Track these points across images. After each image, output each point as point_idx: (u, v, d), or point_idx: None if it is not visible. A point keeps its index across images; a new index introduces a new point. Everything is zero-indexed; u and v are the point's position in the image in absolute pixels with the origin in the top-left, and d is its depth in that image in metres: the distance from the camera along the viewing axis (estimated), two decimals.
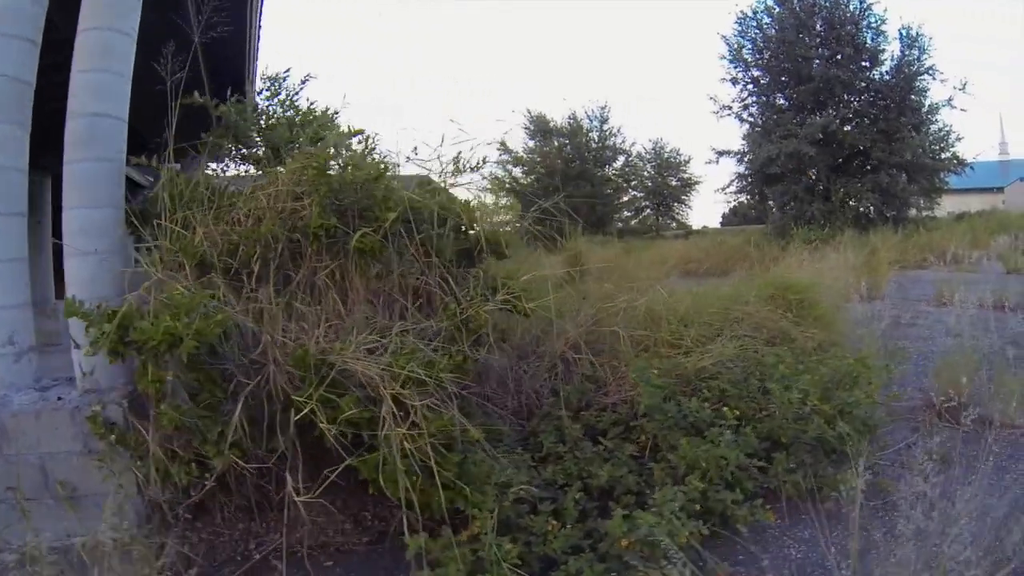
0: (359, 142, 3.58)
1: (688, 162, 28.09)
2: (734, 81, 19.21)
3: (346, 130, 3.32)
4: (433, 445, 2.32)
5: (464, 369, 2.70)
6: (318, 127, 3.61)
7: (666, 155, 27.91)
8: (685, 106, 75.04)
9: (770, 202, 19.63)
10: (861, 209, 17.70)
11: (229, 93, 3.61)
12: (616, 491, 2.70)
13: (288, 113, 3.80)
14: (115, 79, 3.10)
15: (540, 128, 24.24)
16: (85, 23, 3.08)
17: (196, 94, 3.25)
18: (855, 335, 5.18)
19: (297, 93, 4.06)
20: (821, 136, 16.89)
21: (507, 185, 24.07)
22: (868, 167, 17.67)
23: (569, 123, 24.75)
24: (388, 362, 2.44)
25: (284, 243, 2.90)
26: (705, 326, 4.25)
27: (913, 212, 17.87)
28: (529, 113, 24.56)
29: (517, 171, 24.06)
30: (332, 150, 3.17)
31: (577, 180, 22.87)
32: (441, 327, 2.91)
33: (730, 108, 19.14)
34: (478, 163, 3.37)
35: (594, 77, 69.14)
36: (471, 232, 3.22)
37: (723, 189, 20.51)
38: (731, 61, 19.13)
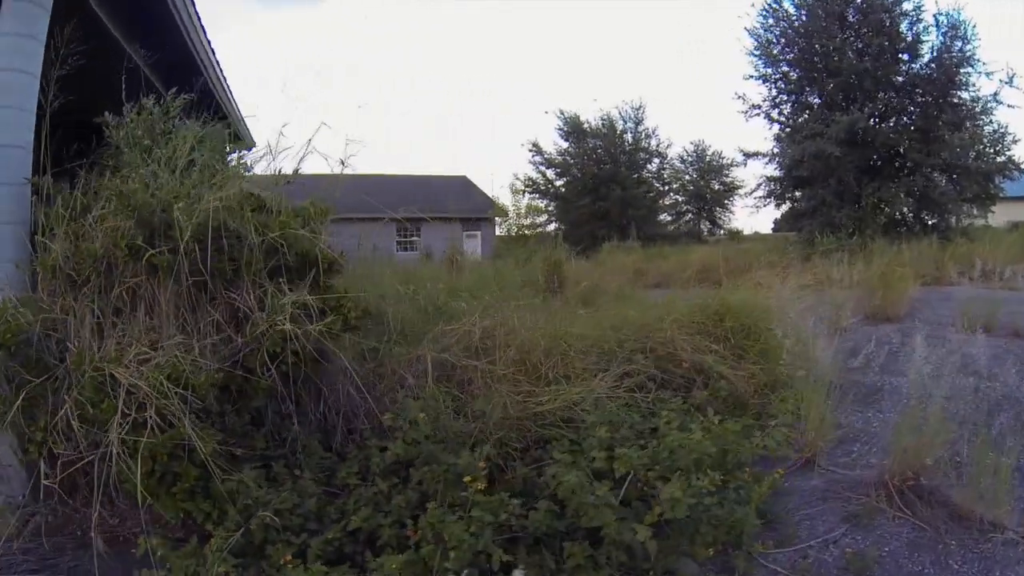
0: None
1: (731, 165, 26.98)
2: (763, 79, 17.80)
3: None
4: (171, 455, 2.47)
5: (227, 386, 2.71)
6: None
7: (708, 157, 26.90)
8: (711, 106, 71.76)
9: (797, 207, 18.28)
10: (896, 215, 16.20)
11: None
12: (379, 539, 2.47)
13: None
14: (18, 113, 3.39)
15: (574, 129, 23.83)
16: None
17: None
18: (820, 372, 4.16)
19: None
20: (852, 135, 15.49)
21: (541, 187, 23.94)
22: (904, 170, 16.12)
23: (602, 124, 24.19)
24: (149, 373, 2.52)
25: (106, 260, 3.01)
26: (600, 355, 3.72)
27: (954, 220, 16.20)
28: (562, 114, 24.20)
29: (550, 173, 23.90)
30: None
31: (609, 183, 22.37)
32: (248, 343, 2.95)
33: (759, 107, 17.83)
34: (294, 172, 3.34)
35: (619, 77, 67.42)
36: (294, 248, 3.16)
37: (751, 193, 19.36)
38: (759, 57, 17.73)
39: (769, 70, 17.57)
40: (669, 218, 27.31)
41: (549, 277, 8.89)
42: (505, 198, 24.12)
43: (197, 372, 2.68)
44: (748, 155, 18.34)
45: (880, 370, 5.19)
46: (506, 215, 22.84)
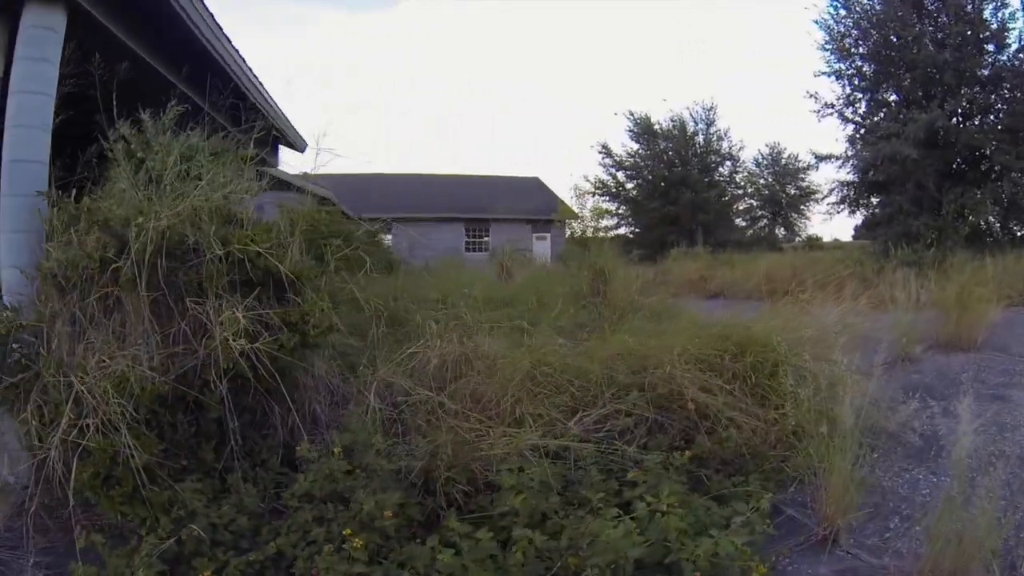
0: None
1: (806, 168, 25.24)
2: (836, 75, 16.22)
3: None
4: (112, 460, 2.62)
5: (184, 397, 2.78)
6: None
7: (784, 160, 25.32)
8: (785, 107, 67.03)
9: (872, 215, 16.81)
10: (980, 225, 14.52)
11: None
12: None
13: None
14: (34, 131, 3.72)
15: (644, 130, 23.14)
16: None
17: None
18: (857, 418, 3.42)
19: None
20: (931, 136, 13.97)
21: (612, 190, 23.48)
22: (990, 174, 14.38)
23: (673, 125, 23.33)
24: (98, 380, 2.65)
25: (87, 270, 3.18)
26: (585, 391, 3.26)
27: None
28: (632, 115, 23.55)
29: (621, 175, 23.36)
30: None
31: (679, 186, 21.56)
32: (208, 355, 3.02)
33: (832, 106, 16.33)
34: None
35: (689, 77, 64.51)
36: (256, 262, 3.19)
37: (823, 199, 17.93)
38: (830, 51, 16.20)
39: (842, 65, 16.13)
40: (743, 223, 26.00)
41: (593, 286, 8.48)
42: (574, 200, 23.84)
43: (143, 382, 2.76)
44: (820, 158, 17.06)
45: (943, 413, 4.38)
46: (576, 217, 22.59)
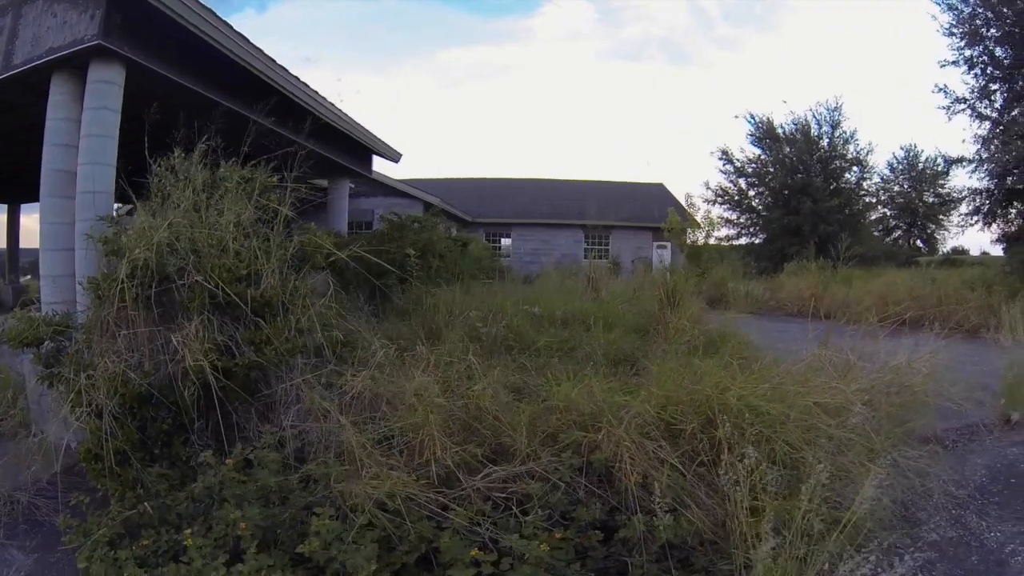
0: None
1: (947, 173, 21.82)
2: (968, 63, 13.51)
3: None
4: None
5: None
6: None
7: (921, 165, 22.15)
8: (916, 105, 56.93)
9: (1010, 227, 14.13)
10: None
11: None
12: None
13: None
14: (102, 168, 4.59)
15: (766, 134, 21.47)
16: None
17: None
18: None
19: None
20: None
21: (734, 198, 22.24)
22: None
23: (795, 128, 21.40)
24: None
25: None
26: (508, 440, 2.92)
27: None
28: (752, 118, 21.98)
29: (743, 182, 21.96)
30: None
31: (800, 195, 19.80)
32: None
33: (965, 101, 13.77)
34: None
35: (810, 76, 57.59)
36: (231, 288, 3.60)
37: (953, 209, 15.20)
38: (958, 36, 13.57)
39: (972, 51, 13.55)
40: (876, 235, 23.21)
41: (662, 308, 7.92)
42: (694, 208, 22.82)
43: (127, 382, 3.27)
44: (950, 161, 14.67)
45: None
46: (678, 226, 21.69)
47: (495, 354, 4.89)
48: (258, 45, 5.65)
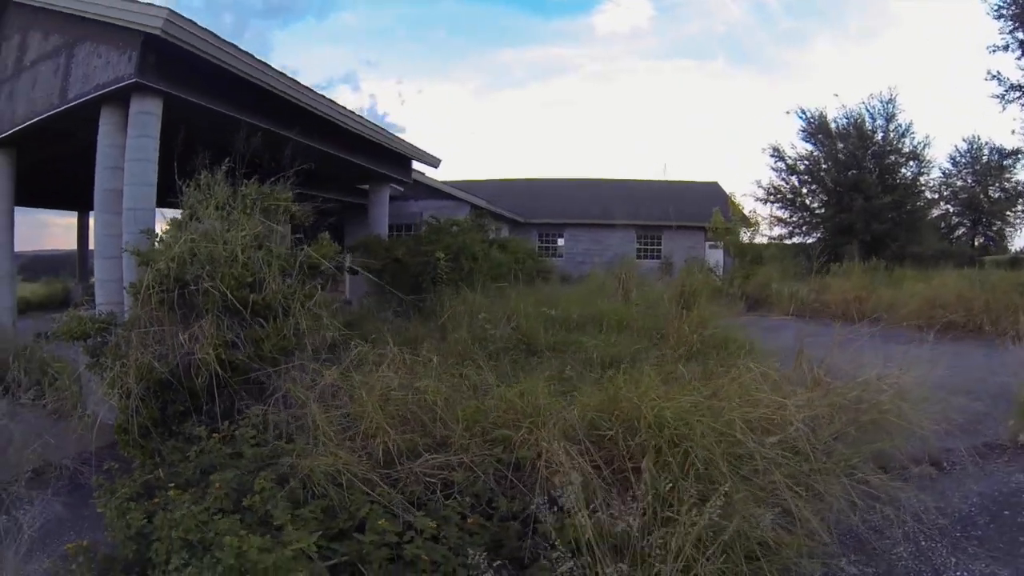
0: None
1: (1006, 166, 20.13)
2: (1023, 47, 12.96)
3: None
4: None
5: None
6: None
7: (984, 158, 20.64)
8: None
9: None
10: None
11: None
12: None
13: None
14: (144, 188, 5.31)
15: (819, 129, 20.71)
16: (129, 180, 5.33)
17: None
18: None
19: None
20: None
21: (787, 196, 21.66)
22: None
23: (848, 122, 20.51)
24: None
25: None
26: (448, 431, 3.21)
27: None
28: (804, 113, 21.26)
29: (794, 180, 21.30)
30: None
31: (852, 192, 19.04)
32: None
33: (1020, 88, 13.36)
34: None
35: (861, 68, 53.51)
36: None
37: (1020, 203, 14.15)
38: (1008, 17, 12.96)
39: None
40: (940, 232, 21.86)
41: (679, 311, 7.79)
42: (747, 206, 22.31)
43: (151, 370, 3.89)
44: (1005, 153, 13.79)
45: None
46: (748, 225, 21.26)
47: (499, 354, 5.28)
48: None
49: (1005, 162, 13.65)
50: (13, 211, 7.39)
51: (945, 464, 4.27)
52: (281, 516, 2.41)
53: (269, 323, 4.17)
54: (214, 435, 3.43)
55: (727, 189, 25.33)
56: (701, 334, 6.43)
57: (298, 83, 6.61)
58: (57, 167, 8.68)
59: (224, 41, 5.38)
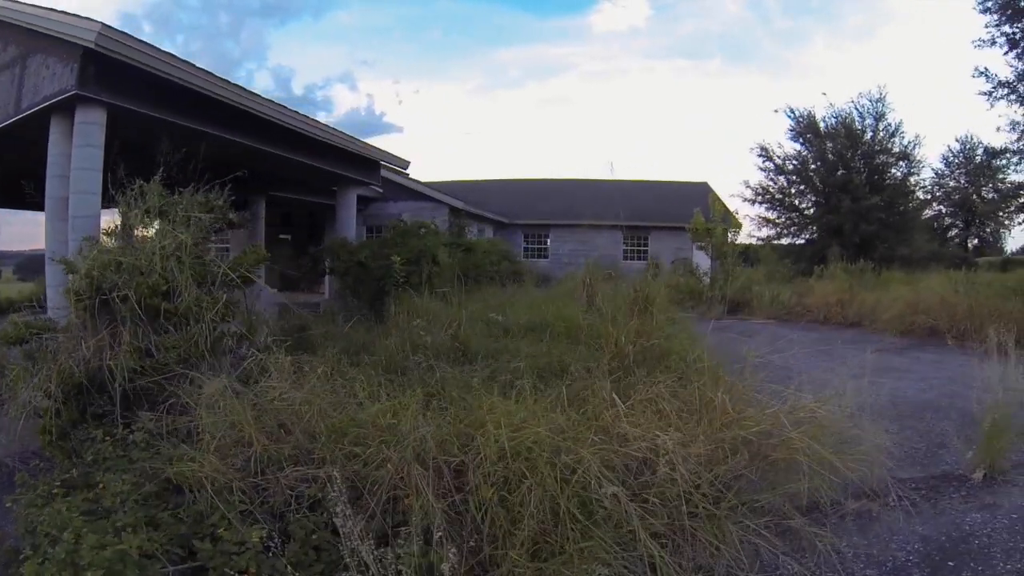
0: None
1: (1008, 166, 19.77)
2: (1009, 41, 12.46)
3: None
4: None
5: None
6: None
7: (978, 158, 20.32)
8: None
9: None
10: None
11: None
12: None
13: None
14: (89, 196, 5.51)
15: (807, 129, 20.56)
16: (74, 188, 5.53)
17: None
18: None
19: None
20: None
21: (776, 197, 21.55)
22: None
23: (836, 121, 20.34)
24: None
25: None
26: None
27: None
28: (793, 112, 21.14)
29: (782, 180, 21.19)
30: None
31: (840, 193, 18.91)
32: None
33: (1008, 84, 12.93)
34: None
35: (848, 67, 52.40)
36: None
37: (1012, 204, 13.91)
38: (993, 11, 12.54)
39: (1014, 28, 12.55)
40: (933, 233, 21.61)
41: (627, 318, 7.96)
42: (735, 206, 22.22)
43: (70, 374, 4.10)
44: (992, 153, 13.59)
45: None
46: (736, 226, 21.17)
47: (426, 363, 5.37)
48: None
49: (993, 161, 13.43)
50: None
51: (891, 499, 3.65)
52: (124, 518, 2.60)
53: (181, 331, 4.36)
54: (107, 438, 3.62)
55: (719, 190, 25.27)
56: (642, 344, 5.91)
57: (245, 90, 6.79)
58: (36, 171, 8.96)
59: (163, 52, 5.58)
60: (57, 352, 4.49)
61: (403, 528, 2.53)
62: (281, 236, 18.83)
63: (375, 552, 2.14)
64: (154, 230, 5.09)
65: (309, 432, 3.30)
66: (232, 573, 2.34)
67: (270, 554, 2.55)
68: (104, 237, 4.92)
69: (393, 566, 2.15)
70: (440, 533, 2.37)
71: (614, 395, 3.43)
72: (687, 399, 3.69)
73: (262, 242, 13.12)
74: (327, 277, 11.75)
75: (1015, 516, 3.55)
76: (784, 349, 11.16)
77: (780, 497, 3.14)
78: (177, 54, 5.75)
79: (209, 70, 6.21)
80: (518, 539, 2.44)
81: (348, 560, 2.21)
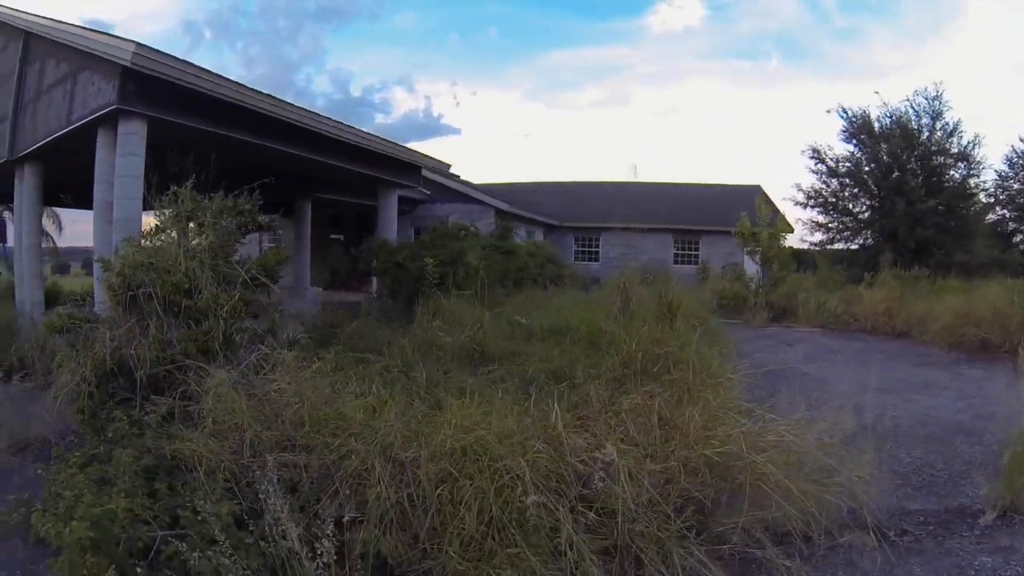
0: None
1: None
2: None
3: None
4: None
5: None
6: None
7: None
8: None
9: None
10: None
11: None
12: None
13: None
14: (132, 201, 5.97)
15: (861, 129, 19.66)
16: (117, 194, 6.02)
17: None
18: None
19: None
20: None
21: (828, 201, 20.77)
22: None
23: (891, 121, 19.36)
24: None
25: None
26: None
27: None
28: (846, 113, 20.26)
29: (835, 183, 20.36)
30: None
31: (894, 196, 18.02)
32: None
33: None
34: None
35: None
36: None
37: None
38: None
39: None
40: (999, 238, 20.22)
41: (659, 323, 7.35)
42: (789, 211, 21.51)
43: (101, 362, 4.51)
44: None
45: None
46: (790, 230, 20.52)
47: (446, 362, 5.58)
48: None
49: None
50: (41, 217, 8.44)
51: (892, 533, 3.36)
52: (122, 485, 2.91)
53: (200, 326, 4.72)
54: (124, 419, 3.99)
55: (773, 193, 24.50)
56: (654, 352, 5.74)
57: (273, 98, 7.21)
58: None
59: (195, 66, 6.04)
60: (94, 341, 4.95)
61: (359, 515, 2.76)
62: (332, 236, 19.59)
63: (298, 529, 2.34)
64: (186, 233, 5.51)
65: (296, 422, 3.56)
66: (199, 540, 2.57)
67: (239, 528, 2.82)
68: (143, 239, 5.36)
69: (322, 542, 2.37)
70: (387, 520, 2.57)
71: (557, 405, 3.33)
72: (664, 412, 3.55)
73: (308, 242, 13.78)
74: (375, 277, 12.14)
75: None
76: (820, 359, 10.78)
77: (759, 524, 2.97)
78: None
79: (243, 82, 6.65)
80: (456, 536, 2.56)
81: (273, 532, 2.50)
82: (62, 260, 25.76)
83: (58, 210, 21.10)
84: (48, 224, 21.51)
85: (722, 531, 2.96)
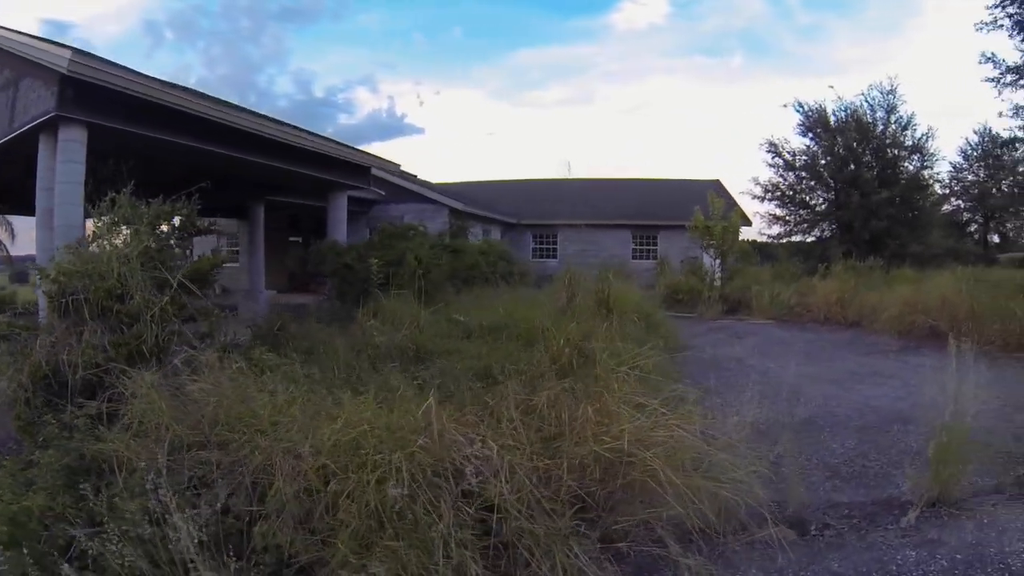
0: None
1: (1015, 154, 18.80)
2: (1018, 26, 11.85)
3: None
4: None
5: None
6: None
7: (997, 150, 19.44)
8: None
9: None
10: None
11: None
12: None
13: None
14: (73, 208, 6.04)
15: (816, 123, 20.10)
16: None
17: None
18: None
19: None
20: None
21: (786, 194, 21.21)
22: None
23: (846, 115, 19.86)
24: None
25: None
26: None
27: None
28: (801, 107, 20.71)
29: (792, 176, 20.82)
30: None
31: (849, 188, 18.52)
32: None
33: (1017, 70, 12.36)
34: None
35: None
36: None
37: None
38: None
39: (1018, 10, 12.00)
40: (954, 229, 20.86)
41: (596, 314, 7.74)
42: (748, 204, 21.96)
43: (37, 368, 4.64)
44: (1000, 143, 13.05)
45: None
46: (745, 223, 20.87)
47: (376, 362, 5.74)
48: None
49: (1001, 151, 12.91)
50: None
51: (814, 527, 3.29)
52: (42, 483, 3.08)
53: (131, 330, 4.86)
54: (53, 422, 4.13)
55: (734, 188, 24.83)
56: (582, 347, 5.74)
57: (218, 102, 7.27)
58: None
59: (136, 73, 6.11)
60: (32, 349, 5.06)
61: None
62: (291, 239, 19.57)
63: (186, 519, 2.53)
64: (122, 238, 5.61)
65: (213, 421, 3.73)
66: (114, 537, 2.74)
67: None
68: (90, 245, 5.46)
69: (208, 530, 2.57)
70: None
71: (431, 398, 3.27)
72: (561, 409, 3.49)
73: (261, 245, 13.84)
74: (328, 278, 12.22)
75: (959, 557, 2.92)
76: (768, 351, 11.07)
77: (667, 522, 2.95)
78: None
79: (205, 83, 6.72)
80: (344, 528, 2.69)
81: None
82: (18, 268, 25.37)
83: (12, 218, 20.76)
84: (0, 232, 21.15)
85: (617, 528, 2.95)
